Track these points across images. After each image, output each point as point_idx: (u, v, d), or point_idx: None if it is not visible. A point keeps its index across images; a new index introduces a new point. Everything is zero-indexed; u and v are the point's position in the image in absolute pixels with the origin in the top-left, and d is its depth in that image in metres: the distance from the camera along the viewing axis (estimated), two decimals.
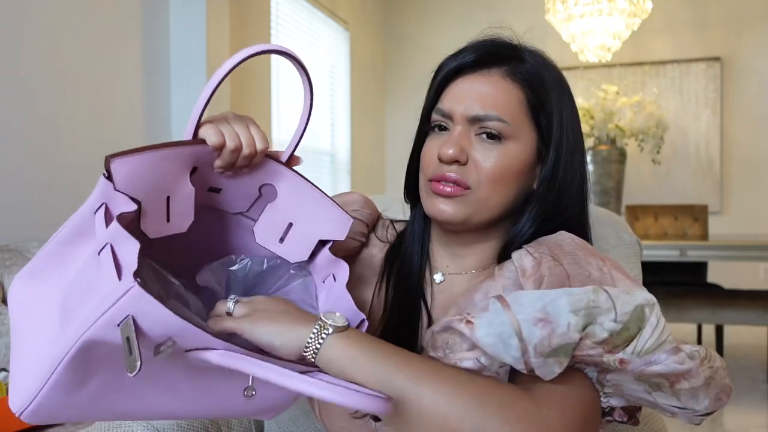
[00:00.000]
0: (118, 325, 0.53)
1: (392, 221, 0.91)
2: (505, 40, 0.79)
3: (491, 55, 0.77)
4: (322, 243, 0.74)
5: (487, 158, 0.74)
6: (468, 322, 0.61)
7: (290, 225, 0.75)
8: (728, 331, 4.05)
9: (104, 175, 0.60)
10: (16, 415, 0.60)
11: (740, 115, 4.94)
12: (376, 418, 0.73)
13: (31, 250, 1.96)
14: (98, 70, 2.52)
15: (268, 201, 0.74)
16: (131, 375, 0.51)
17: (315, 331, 0.60)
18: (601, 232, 1.04)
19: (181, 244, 0.68)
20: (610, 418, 0.70)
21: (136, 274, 0.53)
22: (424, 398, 0.59)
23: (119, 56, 2.63)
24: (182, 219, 0.66)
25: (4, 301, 1.83)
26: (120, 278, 0.54)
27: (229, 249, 0.77)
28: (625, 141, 3.98)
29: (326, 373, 0.61)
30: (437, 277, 0.82)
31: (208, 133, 0.66)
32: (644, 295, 0.60)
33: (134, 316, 0.52)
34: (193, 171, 0.68)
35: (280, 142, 3.90)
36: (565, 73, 0.81)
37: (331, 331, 0.61)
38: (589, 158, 4.06)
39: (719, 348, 3.61)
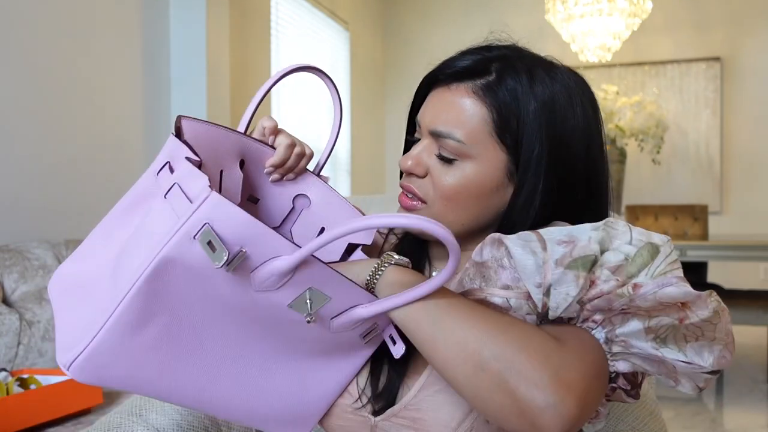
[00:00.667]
0: (194, 237, 0.54)
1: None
2: (481, 52, 0.76)
3: (462, 67, 0.74)
4: (348, 251, 0.80)
5: (441, 176, 0.74)
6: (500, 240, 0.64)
7: (322, 229, 0.80)
8: None
9: (173, 132, 0.66)
10: (64, 369, 0.58)
11: (740, 115, 4.94)
12: (376, 412, 0.73)
13: (31, 250, 1.96)
14: (98, 70, 2.52)
15: (303, 208, 0.81)
16: (218, 266, 0.53)
17: (378, 263, 0.66)
18: None
19: None
20: (614, 385, 0.70)
21: (210, 185, 0.54)
22: (449, 318, 0.61)
23: (119, 56, 2.63)
24: (231, 198, 0.68)
25: (5, 301, 1.83)
26: (192, 202, 0.55)
27: None
28: (625, 141, 3.98)
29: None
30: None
31: (265, 120, 0.77)
32: (660, 236, 0.62)
33: (210, 224, 0.54)
34: (241, 165, 0.74)
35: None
36: (584, 79, 0.79)
37: (392, 262, 0.66)
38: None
39: None
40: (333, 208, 0.80)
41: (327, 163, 0.86)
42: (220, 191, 0.64)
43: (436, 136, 0.74)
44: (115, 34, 2.61)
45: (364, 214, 0.80)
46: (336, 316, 0.63)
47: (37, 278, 1.91)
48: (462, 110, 0.72)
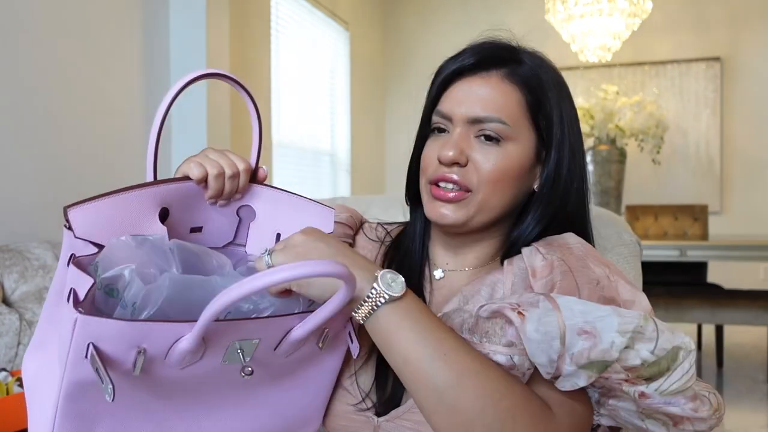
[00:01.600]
0: (86, 357, 0.52)
1: (380, 223, 0.92)
2: (503, 42, 0.80)
3: (490, 57, 0.77)
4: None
5: (487, 160, 0.75)
6: (520, 313, 0.62)
7: (278, 235, 0.75)
8: (728, 331, 4.06)
9: (65, 225, 0.61)
10: None
11: (740, 115, 4.94)
12: (378, 413, 0.73)
13: (31, 250, 1.96)
14: (98, 70, 2.52)
15: (250, 221, 0.75)
16: (110, 401, 0.51)
17: (370, 295, 0.61)
18: (601, 232, 1.04)
19: None
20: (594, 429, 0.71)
21: (77, 304, 0.52)
22: (462, 396, 0.59)
23: (119, 56, 2.63)
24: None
25: (5, 301, 1.83)
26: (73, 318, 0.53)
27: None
28: (625, 141, 3.98)
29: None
30: (437, 274, 0.83)
31: (189, 168, 0.69)
32: (685, 340, 0.60)
33: (94, 343, 0.52)
34: (166, 215, 0.67)
35: (281, 142, 3.90)
36: (565, 73, 0.82)
37: (387, 299, 0.61)
38: (589, 158, 4.06)
39: (719, 348, 3.61)
40: (282, 210, 0.75)
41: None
42: None
43: (477, 122, 0.75)
44: (115, 34, 2.61)
45: (324, 207, 0.76)
46: (276, 346, 0.62)
47: (37, 278, 1.91)
48: (500, 94, 0.75)
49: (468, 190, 0.76)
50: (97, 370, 0.51)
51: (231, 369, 0.60)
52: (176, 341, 0.54)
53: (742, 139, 4.93)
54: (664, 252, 3.42)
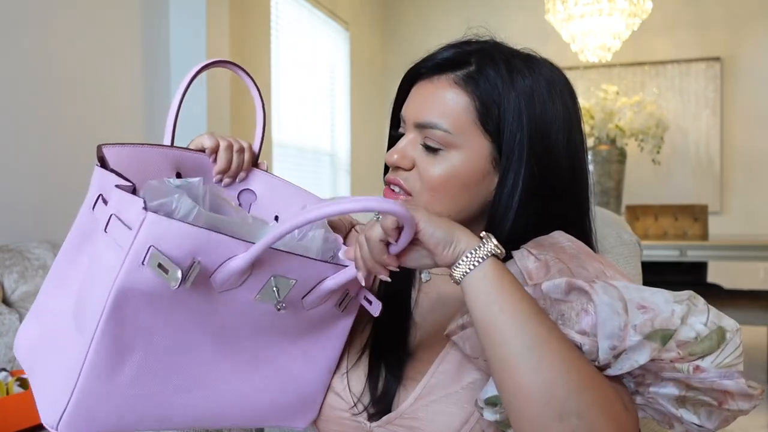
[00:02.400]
0: (143, 263, 0.53)
1: None
2: (463, 42, 0.78)
3: (443, 60, 0.76)
4: None
5: (428, 167, 0.74)
6: (592, 283, 0.62)
7: (276, 217, 0.79)
8: None
9: (97, 164, 0.64)
10: (52, 429, 0.56)
11: (740, 115, 4.94)
12: (371, 418, 0.73)
13: (31, 250, 1.96)
14: (98, 70, 2.52)
15: (251, 203, 0.80)
16: (175, 286, 0.52)
17: (476, 248, 0.60)
18: (601, 232, 1.04)
19: None
20: None
21: (145, 206, 0.53)
22: (540, 365, 0.58)
23: (119, 56, 2.63)
24: None
25: (5, 301, 1.83)
26: (130, 228, 0.54)
27: None
28: (625, 141, 3.98)
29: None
30: (424, 276, 0.83)
31: (203, 139, 0.75)
32: (730, 321, 0.61)
33: (156, 246, 0.52)
34: (178, 177, 0.71)
35: (280, 143, 3.90)
36: (565, 73, 0.80)
37: (490, 253, 0.60)
38: (589, 158, 4.03)
39: None
40: (280, 194, 0.80)
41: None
42: None
43: (421, 127, 0.74)
44: (115, 34, 2.61)
45: (318, 197, 0.79)
46: (305, 294, 0.63)
47: (37, 278, 1.91)
48: (446, 100, 0.73)
49: (409, 194, 0.76)
50: (159, 266, 0.52)
51: (259, 311, 0.61)
52: (229, 258, 0.56)
53: (742, 139, 4.93)
54: (664, 252, 3.42)
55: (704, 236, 3.92)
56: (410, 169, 0.76)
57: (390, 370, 0.74)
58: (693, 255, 3.42)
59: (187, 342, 0.60)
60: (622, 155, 3.97)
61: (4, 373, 1.51)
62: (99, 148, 0.63)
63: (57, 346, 0.60)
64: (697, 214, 4.00)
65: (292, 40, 4.07)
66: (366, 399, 0.74)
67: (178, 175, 0.72)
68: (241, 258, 0.56)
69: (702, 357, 0.59)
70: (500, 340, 0.58)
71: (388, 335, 0.76)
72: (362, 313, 0.77)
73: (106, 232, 0.56)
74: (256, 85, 0.81)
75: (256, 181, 0.80)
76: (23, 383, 1.51)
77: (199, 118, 2.85)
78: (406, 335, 0.78)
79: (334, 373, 0.76)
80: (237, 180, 0.81)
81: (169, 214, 0.56)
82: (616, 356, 0.60)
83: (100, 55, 2.53)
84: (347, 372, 0.76)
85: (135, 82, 2.71)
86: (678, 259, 3.40)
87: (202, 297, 0.58)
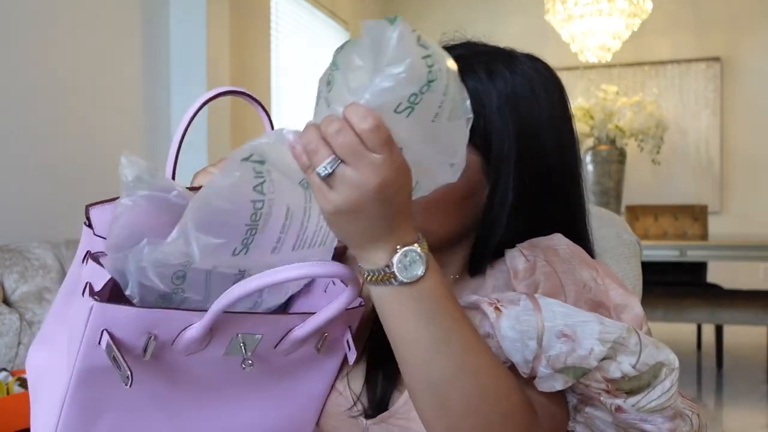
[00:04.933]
0: (99, 344, 0.54)
1: None
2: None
3: None
4: None
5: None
6: (497, 308, 0.60)
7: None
8: (728, 331, 4.06)
9: (85, 223, 0.63)
10: None
11: (740, 115, 4.94)
12: (368, 415, 0.74)
13: (31, 250, 1.96)
14: (98, 71, 2.52)
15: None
16: (127, 387, 0.53)
17: (381, 271, 0.55)
18: (601, 232, 1.04)
19: None
20: None
21: (93, 293, 0.54)
22: (455, 393, 0.57)
23: (119, 57, 2.63)
24: None
25: (5, 301, 1.83)
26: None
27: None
28: (625, 141, 3.98)
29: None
30: None
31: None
32: (669, 356, 0.59)
33: (109, 330, 0.54)
34: None
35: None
36: (565, 73, 0.79)
37: (396, 283, 0.55)
38: (589, 158, 4.06)
39: (719, 348, 3.61)
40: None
41: None
42: None
43: None
44: (115, 34, 2.61)
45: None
46: (277, 344, 0.63)
47: (37, 278, 1.91)
48: None
49: None
50: (113, 358, 0.53)
51: (232, 362, 0.61)
52: (185, 328, 0.56)
53: (742, 139, 4.93)
54: (664, 252, 3.42)
55: (704, 236, 3.93)
56: None
57: (386, 376, 0.74)
58: (693, 255, 3.43)
59: (162, 397, 0.61)
60: (621, 155, 3.98)
61: (4, 373, 1.51)
62: (86, 208, 0.63)
63: (50, 383, 0.62)
64: (697, 214, 4.01)
65: (292, 40, 4.07)
66: (365, 399, 0.75)
67: None
68: (197, 327, 0.56)
69: (629, 394, 0.58)
70: (401, 331, 0.57)
71: (385, 343, 0.76)
72: (363, 318, 0.77)
73: (83, 296, 0.57)
74: (267, 113, 0.76)
75: None
76: (23, 383, 1.51)
77: (199, 120, 2.85)
78: None
79: (336, 375, 0.77)
80: None
81: (123, 273, 0.57)
82: (532, 378, 0.60)
83: (100, 55, 2.53)
84: (348, 375, 0.77)
85: (135, 81, 2.71)
86: (678, 259, 3.40)
87: (169, 360, 0.58)
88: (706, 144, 4.98)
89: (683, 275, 3.89)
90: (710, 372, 3.55)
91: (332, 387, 0.76)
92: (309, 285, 0.74)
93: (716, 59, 4.95)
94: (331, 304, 0.61)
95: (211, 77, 2.91)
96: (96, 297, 0.54)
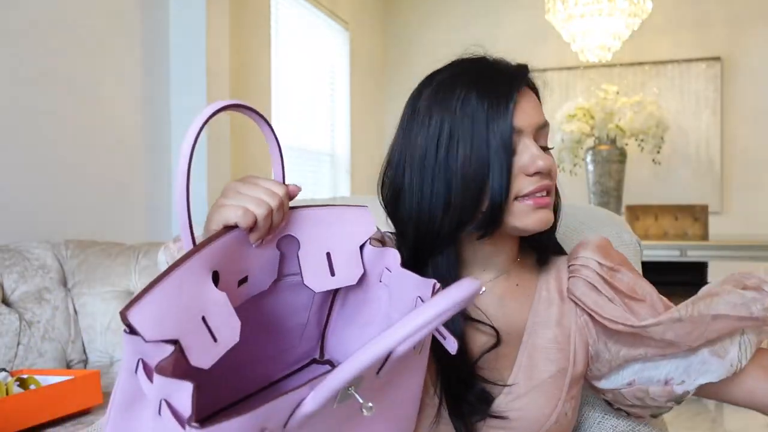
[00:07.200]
0: None
1: (384, 233, 0.88)
2: (510, 63, 0.84)
3: (521, 70, 0.83)
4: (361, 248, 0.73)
5: (553, 163, 0.81)
6: None
7: (329, 255, 0.71)
8: None
9: (126, 331, 0.54)
10: None
11: (740, 115, 4.94)
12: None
13: (31, 250, 1.96)
14: (98, 72, 2.52)
15: (296, 251, 0.70)
16: None
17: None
18: (601, 232, 1.04)
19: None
20: None
21: (190, 419, 0.48)
22: None
23: (119, 57, 2.63)
24: (229, 330, 0.59)
25: (5, 301, 1.83)
26: (185, 426, 0.49)
27: (284, 315, 0.73)
28: (625, 141, 3.98)
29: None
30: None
31: (233, 215, 0.60)
32: None
33: None
34: (216, 277, 0.61)
35: (280, 143, 3.89)
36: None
37: None
38: (589, 158, 4.06)
39: None
40: (324, 227, 0.71)
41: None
42: (215, 339, 0.58)
43: (541, 128, 0.81)
44: (115, 34, 2.61)
45: (361, 205, 0.73)
46: (380, 369, 0.59)
47: (37, 278, 1.91)
48: (539, 104, 0.83)
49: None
50: None
51: (345, 407, 0.57)
52: (297, 407, 0.52)
53: (742, 139, 4.93)
54: (664, 252, 3.42)
55: (704, 236, 3.92)
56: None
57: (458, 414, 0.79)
58: (693, 255, 3.42)
59: None
60: (622, 155, 3.97)
61: (4, 373, 1.50)
62: (122, 315, 0.53)
63: None
64: (698, 214, 4.00)
65: (292, 40, 4.07)
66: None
67: (216, 275, 0.61)
68: (310, 405, 0.52)
69: None
70: None
71: (454, 368, 0.79)
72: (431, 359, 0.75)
73: (160, 416, 0.52)
74: (270, 127, 0.71)
75: (294, 225, 0.69)
76: (23, 383, 1.51)
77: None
78: (472, 366, 0.80)
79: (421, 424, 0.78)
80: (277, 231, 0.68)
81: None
82: None
83: (100, 55, 2.53)
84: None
85: (135, 82, 2.71)
86: (678, 259, 3.40)
87: None
88: (706, 144, 4.97)
89: (684, 275, 3.88)
90: None
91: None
92: (361, 280, 0.73)
93: (717, 59, 4.94)
94: (436, 300, 0.52)
95: (211, 77, 2.91)
96: (194, 425, 0.48)
